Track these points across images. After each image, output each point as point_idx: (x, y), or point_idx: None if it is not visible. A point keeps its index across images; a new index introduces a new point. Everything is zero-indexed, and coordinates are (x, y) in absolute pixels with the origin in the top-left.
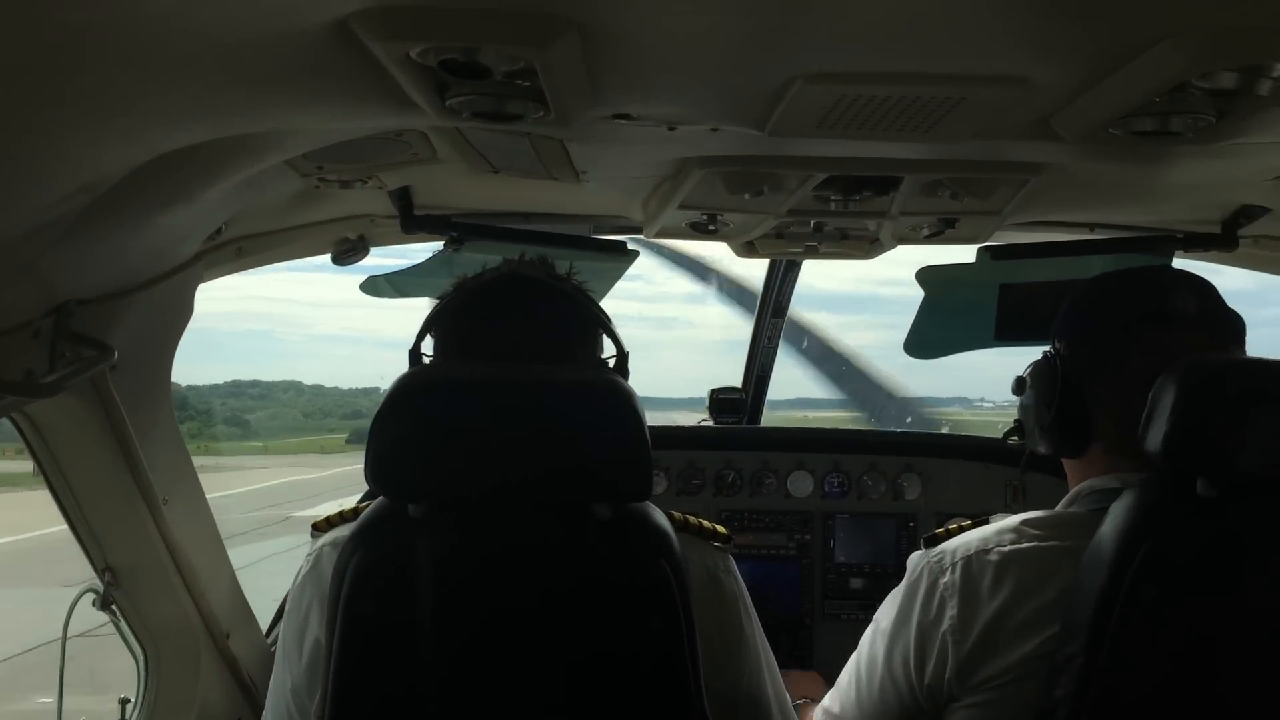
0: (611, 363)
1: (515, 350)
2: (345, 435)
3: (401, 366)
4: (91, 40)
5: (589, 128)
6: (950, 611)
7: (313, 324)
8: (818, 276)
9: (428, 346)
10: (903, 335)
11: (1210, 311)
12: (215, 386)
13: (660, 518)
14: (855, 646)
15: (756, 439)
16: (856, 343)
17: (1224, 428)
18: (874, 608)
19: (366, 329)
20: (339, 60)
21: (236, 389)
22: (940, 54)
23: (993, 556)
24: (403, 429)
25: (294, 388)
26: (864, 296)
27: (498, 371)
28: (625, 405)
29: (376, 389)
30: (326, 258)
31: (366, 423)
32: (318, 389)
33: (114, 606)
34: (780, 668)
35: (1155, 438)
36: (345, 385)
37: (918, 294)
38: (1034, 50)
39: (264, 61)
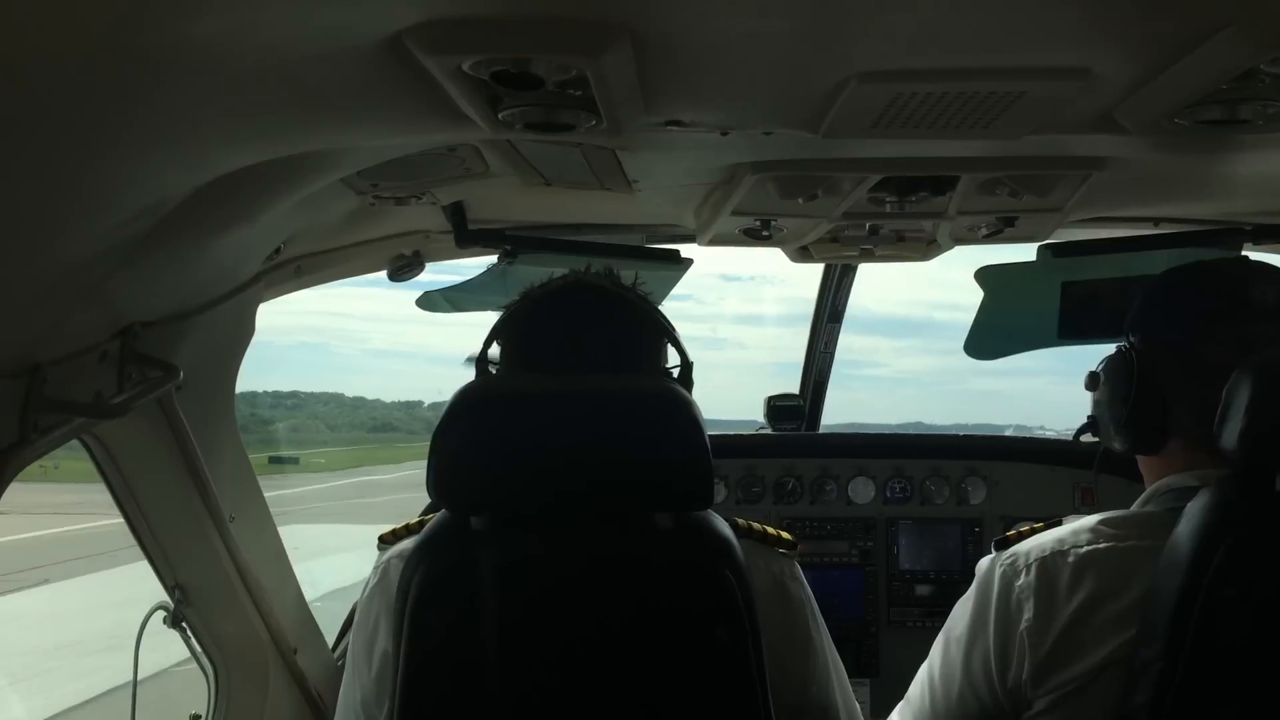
0: (676, 372)
1: (581, 360)
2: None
3: (449, 381)
4: (151, 64)
5: (641, 136)
6: (1027, 613)
7: (368, 339)
8: (870, 300)
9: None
10: (957, 361)
11: None
12: (255, 395)
13: (722, 525)
14: (921, 654)
15: (816, 445)
16: (911, 369)
17: None
18: (940, 614)
19: (419, 344)
20: (392, 76)
21: (276, 399)
22: (997, 47)
23: (1070, 557)
24: (463, 442)
25: (335, 399)
26: (918, 321)
27: (555, 383)
28: (685, 414)
29: (420, 403)
30: (383, 274)
31: (391, 436)
32: (359, 401)
33: (184, 624)
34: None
35: (1231, 434)
36: (388, 399)
37: (970, 318)
38: (1094, 40)
39: (318, 79)
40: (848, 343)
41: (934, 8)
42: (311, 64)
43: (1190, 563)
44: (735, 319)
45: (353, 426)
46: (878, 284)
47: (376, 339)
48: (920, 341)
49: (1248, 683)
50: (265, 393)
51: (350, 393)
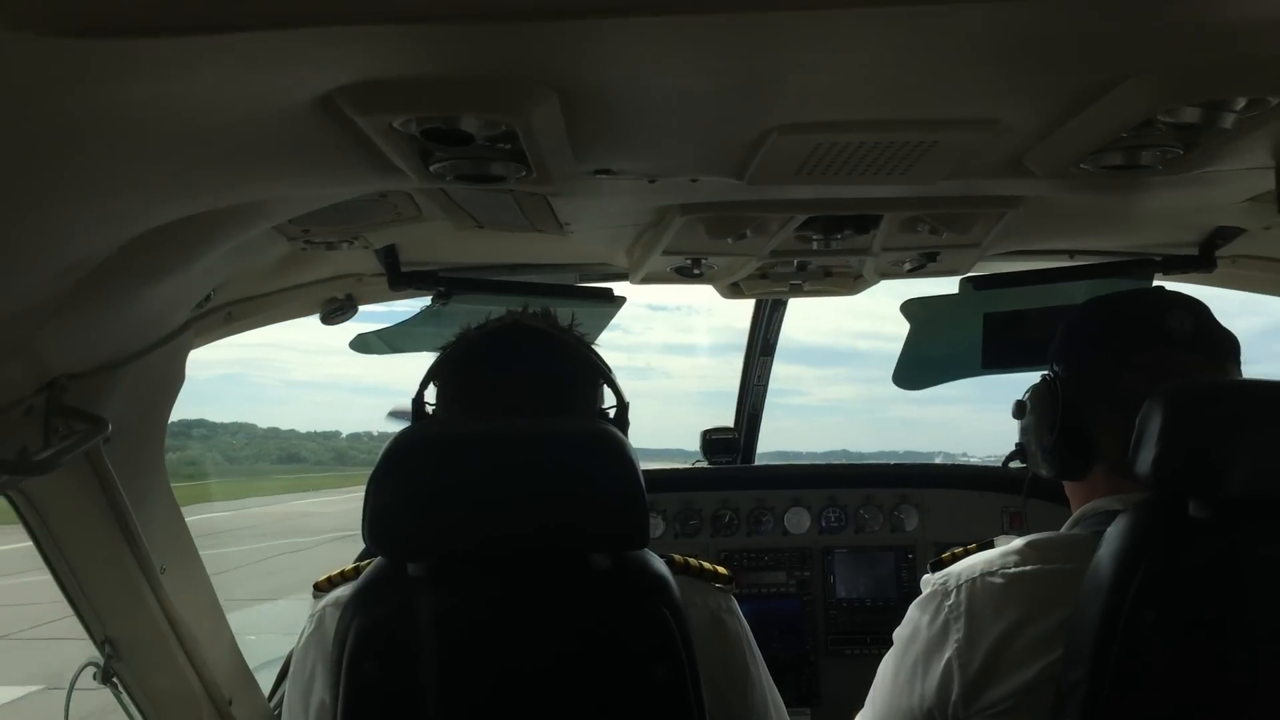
0: (612, 413)
1: (518, 401)
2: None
3: (377, 412)
4: (80, 126)
5: (571, 183)
6: (956, 635)
7: (290, 369)
8: (796, 330)
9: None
10: (880, 389)
11: (1205, 331)
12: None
13: (659, 564)
14: (860, 681)
15: (752, 477)
16: (835, 397)
17: (1212, 449)
18: (877, 641)
19: (344, 374)
20: (324, 133)
21: (183, 427)
22: (911, 101)
23: (997, 579)
24: (397, 487)
25: (245, 430)
26: (842, 350)
27: (491, 426)
28: (618, 454)
29: (337, 433)
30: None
31: (297, 467)
32: (272, 432)
33: (115, 679)
34: (786, 707)
35: (1145, 460)
36: (304, 429)
37: (893, 347)
38: (1002, 93)
39: (250, 139)
40: (773, 371)
41: (850, 66)
42: (243, 123)
43: (1111, 585)
44: (663, 348)
45: (258, 458)
46: (802, 314)
47: (298, 370)
48: (844, 370)
49: (1172, 703)
50: (171, 422)
51: (265, 423)
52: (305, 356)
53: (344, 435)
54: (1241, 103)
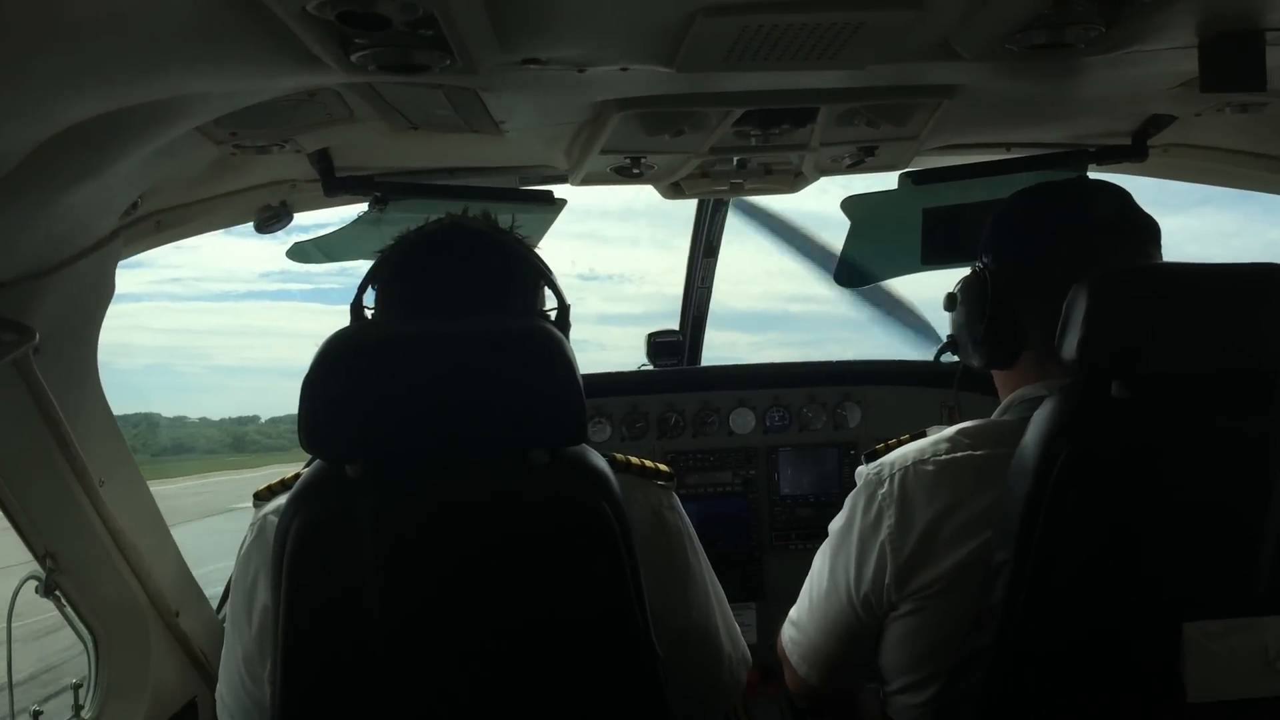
0: (554, 315)
1: (459, 303)
2: None
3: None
4: None
5: (500, 75)
6: (888, 521)
7: (213, 355)
8: (729, 296)
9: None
10: (813, 351)
11: (1127, 216)
12: None
13: (598, 460)
14: (803, 574)
15: (697, 379)
16: (770, 360)
17: (1134, 331)
18: (821, 536)
19: (269, 357)
20: (236, 19)
21: None
22: None
23: (929, 466)
24: (332, 390)
25: (145, 420)
26: (774, 314)
27: (426, 326)
28: (553, 350)
29: (256, 418)
30: (225, 288)
31: (181, 458)
32: (180, 421)
33: (58, 592)
34: (732, 602)
35: (1070, 345)
36: (217, 416)
37: (826, 310)
38: None
39: (159, 24)
40: (706, 338)
41: None
42: (148, 7)
43: (1036, 467)
44: (598, 319)
45: (135, 450)
46: (734, 279)
47: (221, 355)
48: (777, 335)
49: (1093, 578)
50: None
51: (170, 413)
52: (228, 340)
53: (263, 420)
54: None
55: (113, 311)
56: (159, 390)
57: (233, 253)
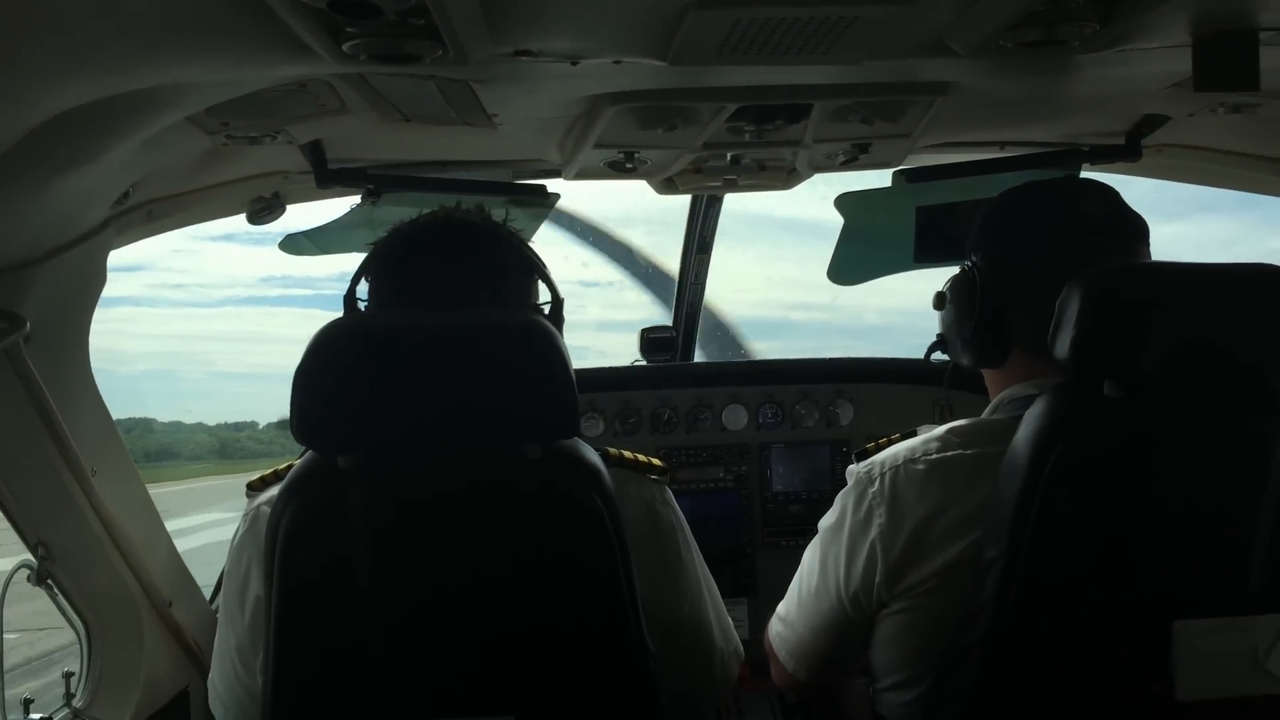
0: (547, 309)
1: (450, 295)
2: None
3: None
4: None
5: (492, 67)
6: (879, 520)
7: (216, 361)
8: (728, 304)
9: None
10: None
11: (1116, 215)
12: None
13: (590, 453)
14: (795, 571)
15: (690, 375)
16: None
17: (1126, 331)
18: (812, 533)
19: (270, 364)
20: (227, 6)
21: None
22: None
23: (919, 465)
24: (323, 381)
25: (140, 425)
26: (775, 321)
27: (419, 317)
28: (546, 344)
29: (254, 424)
30: (227, 293)
31: (166, 464)
32: (176, 426)
33: (50, 581)
34: (724, 598)
35: (1063, 344)
36: (213, 422)
37: (826, 318)
38: None
39: (150, 11)
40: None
41: None
42: None
43: (1027, 466)
44: (598, 326)
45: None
46: (735, 287)
47: (224, 360)
48: (779, 343)
49: (1084, 576)
50: None
51: (165, 418)
52: (230, 346)
53: (261, 425)
54: None
55: (114, 315)
56: (157, 396)
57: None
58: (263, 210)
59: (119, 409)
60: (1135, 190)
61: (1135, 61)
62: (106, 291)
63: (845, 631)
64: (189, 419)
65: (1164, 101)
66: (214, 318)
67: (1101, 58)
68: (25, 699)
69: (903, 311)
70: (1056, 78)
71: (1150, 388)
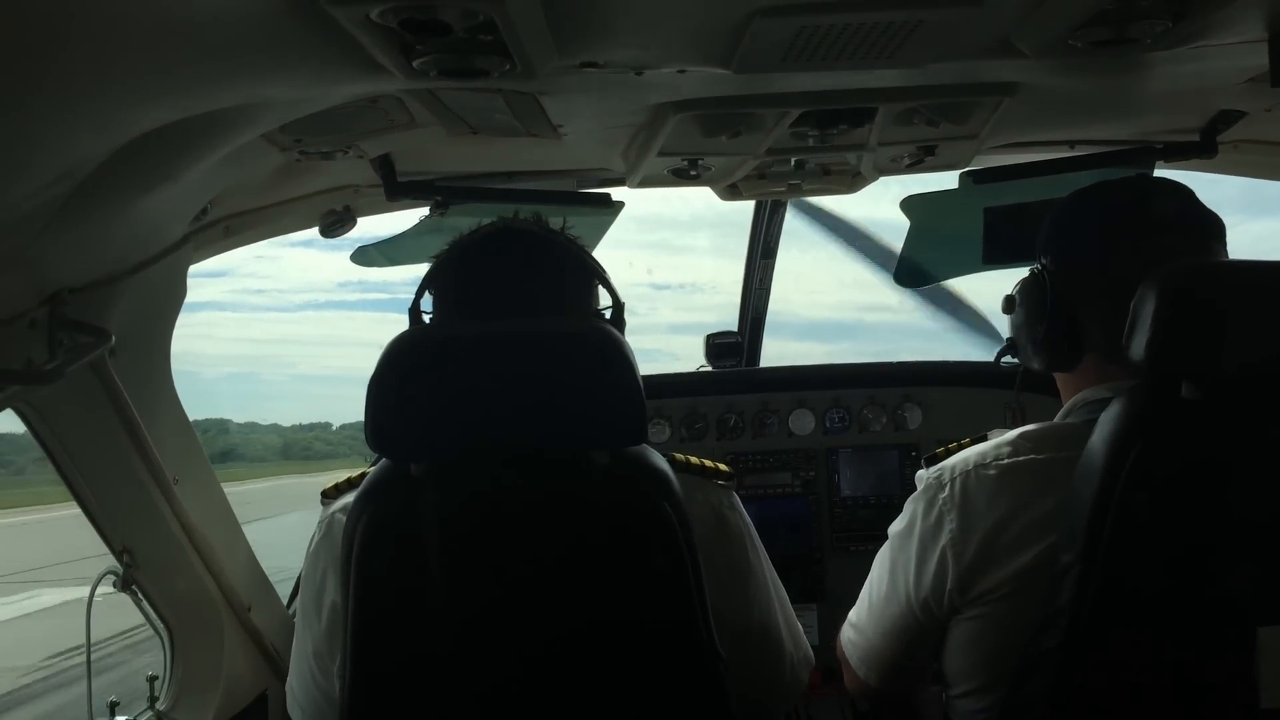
0: (608, 314)
1: (512, 303)
2: None
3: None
4: (53, 23)
5: (558, 79)
6: (949, 525)
7: (296, 364)
8: (801, 306)
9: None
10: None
11: (1189, 214)
12: None
13: (659, 460)
14: (865, 576)
15: (756, 381)
16: None
17: (1205, 331)
18: (881, 538)
19: (345, 366)
20: (301, 28)
21: None
22: None
23: (990, 470)
24: (397, 390)
25: (217, 426)
26: (849, 324)
27: (487, 327)
28: (614, 351)
29: (328, 424)
30: (306, 298)
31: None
32: (251, 427)
33: (134, 587)
34: (793, 603)
35: (1139, 345)
36: (288, 423)
37: (899, 319)
38: None
39: (227, 34)
40: (780, 350)
41: None
42: (218, 19)
43: (1104, 469)
44: (670, 329)
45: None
46: (806, 288)
47: (304, 363)
48: (852, 345)
49: (1162, 581)
50: None
51: (241, 419)
52: (309, 349)
53: (335, 426)
54: None
55: (198, 319)
56: (236, 398)
57: (312, 263)
58: (334, 223)
59: (199, 410)
60: (1225, 189)
61: (1208, 57)
62: (190, 297)
63: (916, 637)
64: (264, 420)
65: (1240, 97)
66: (294, 321)
67: (1174, 54)
68: (111, 701)
69: (985, 314)
70: (1127, 76)
71: (1230, 389)
